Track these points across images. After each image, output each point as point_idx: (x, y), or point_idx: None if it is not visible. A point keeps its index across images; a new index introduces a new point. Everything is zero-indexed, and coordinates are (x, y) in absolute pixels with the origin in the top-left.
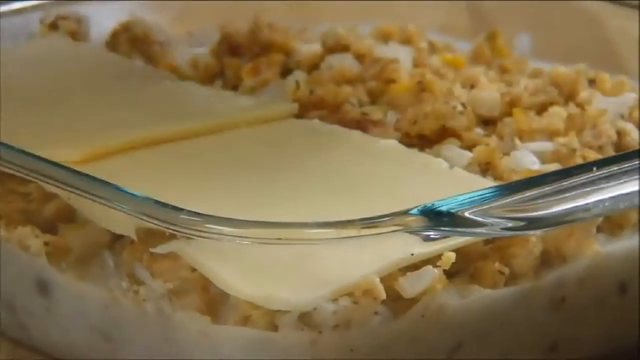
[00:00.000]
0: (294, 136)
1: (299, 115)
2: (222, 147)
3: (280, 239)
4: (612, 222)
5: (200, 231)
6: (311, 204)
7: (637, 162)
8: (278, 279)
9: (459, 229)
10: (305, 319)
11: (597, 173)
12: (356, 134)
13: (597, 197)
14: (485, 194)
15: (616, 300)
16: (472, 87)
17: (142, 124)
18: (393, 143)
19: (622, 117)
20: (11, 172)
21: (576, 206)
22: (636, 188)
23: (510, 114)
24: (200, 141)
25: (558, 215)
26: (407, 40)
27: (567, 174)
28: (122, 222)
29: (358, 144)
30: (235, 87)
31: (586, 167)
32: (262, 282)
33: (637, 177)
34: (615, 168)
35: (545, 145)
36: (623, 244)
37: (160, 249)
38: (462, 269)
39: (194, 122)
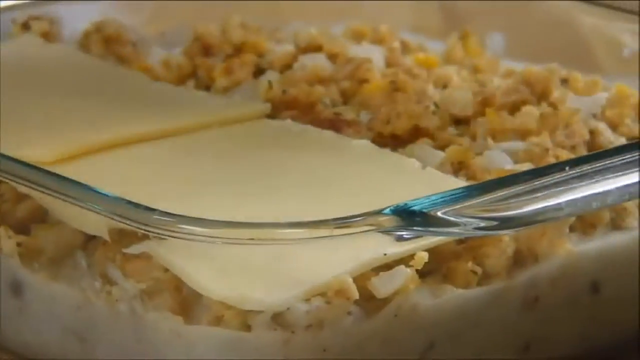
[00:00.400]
0: (266, 136)
1: (272, 116)
2: (195, 147)
3: (252, 239)
4: (584, 221)
5: (173, 231)
6: (284, 204)
7: (609, 162)
8: (251, 279)
9: (431, 229)
10: (278, 319)
11: (570, 172)
12: (329, 134)
13: (569, 196)
14: (458, 193)
15: (589, 299)
16: (444, 86)
17: (115, 124)
18: (366, 143)
19: (594, 116)
20: None
21: (548, 206)
22: (608, 187)
23: (483, 114)
24: (172, 141)
25: (530, 214)
26: (379, 40)
27: (540, 173)
28: (95, 223)
29: (331, 144)
30: (207, 87)
31: (559, 166)
32: (234, 282)
33: (609, 176)
34: (588, 167)
35: (518, 145)
36: (595, 244)
37: (132, 249)
38: (435, 268)
39: (166, 122)
